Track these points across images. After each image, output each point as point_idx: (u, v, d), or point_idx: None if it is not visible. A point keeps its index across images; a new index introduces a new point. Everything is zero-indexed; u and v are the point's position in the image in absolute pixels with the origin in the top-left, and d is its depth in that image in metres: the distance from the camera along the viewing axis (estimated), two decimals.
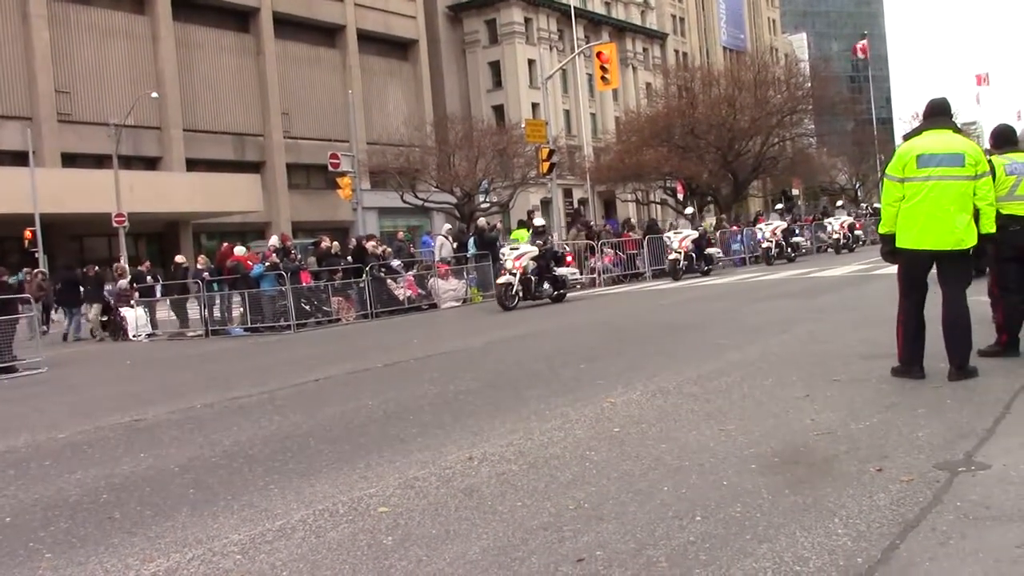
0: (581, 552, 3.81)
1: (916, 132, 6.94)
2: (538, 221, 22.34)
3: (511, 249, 20.21)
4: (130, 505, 5.39)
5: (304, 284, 20.66)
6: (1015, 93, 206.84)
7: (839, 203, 39.64)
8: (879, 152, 68.47)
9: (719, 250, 29.19)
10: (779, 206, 35.01)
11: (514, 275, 19.26)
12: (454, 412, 7.42)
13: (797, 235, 30.95)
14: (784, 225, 29.67)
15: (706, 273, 25.82)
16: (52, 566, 4.33)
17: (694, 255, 25.64)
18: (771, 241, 28.66)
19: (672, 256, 25.06)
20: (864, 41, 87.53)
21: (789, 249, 29.16)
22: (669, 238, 26.07)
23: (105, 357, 18.08)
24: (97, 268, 23.25)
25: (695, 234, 26.19)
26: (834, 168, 67.25)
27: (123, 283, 23.35)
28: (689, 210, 32.56)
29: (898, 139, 71.55)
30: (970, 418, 5.50)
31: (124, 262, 31.62)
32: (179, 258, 26.38)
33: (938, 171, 6.52)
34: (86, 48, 44.59)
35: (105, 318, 23.27)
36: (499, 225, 34.81)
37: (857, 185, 70.93)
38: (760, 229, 30.19)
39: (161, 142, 46.61)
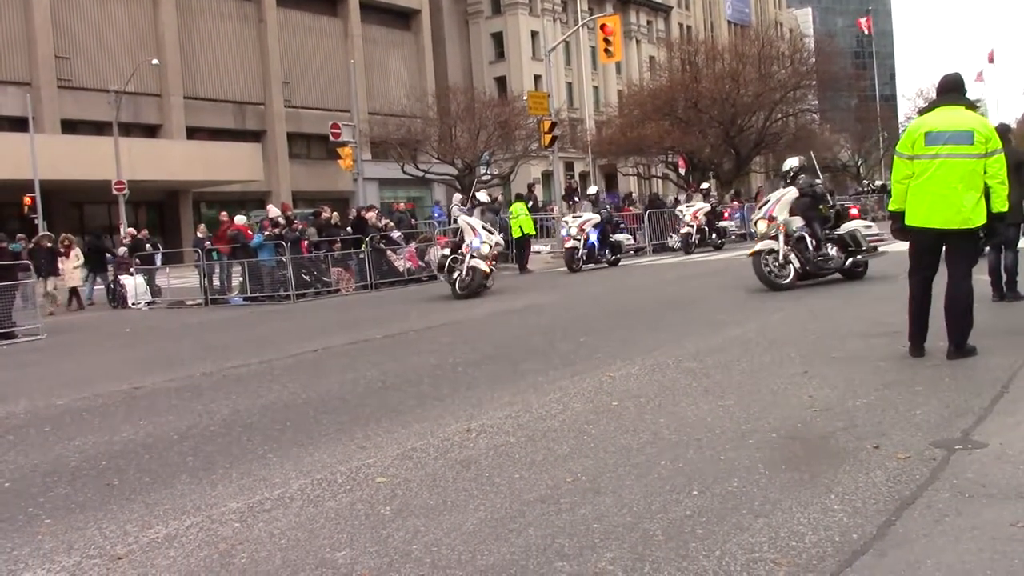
0: (578, 525, 3.82)
1: (928, 108, 6.90)
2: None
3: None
4: (129, 472, 5.41)
5: (303, 255, 20.63)
6: (1020, 71, 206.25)
7: (704, 184, 32.96)
8: (882, 129, 68.15)
9: (733, 223, 28.83)
10: (704, 185, 31.42)
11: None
12: (452, 384, 7.44)
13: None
14: (707, 207, 26.35)
15: (719, 247, 25.69)
16: (51, 531, 4.35)
17: (707, 228, 25.58)
18: (691, 226, 25.23)
19: (684, 230, 25.01)
20: (867, 17, 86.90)
21: (714, 235, 26.26)
22: (681, 211, 25.97)
23: (104, 325, 18.09)
24: (50, 243, 22.45)
25: (707, 207, 26.08)
26: (837, 145, 66.96)
27: (122, 250, 23.33)
28: (705, 184, 32.30)
29: (902, 116, 71.35)
30: (967, 397, 5.51)
31: (124, 229, 31.59)
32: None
33: (946, 148, 6.48)
34: (87, 13, 44.25)
35: (101, 286, 23.27)
36: (499, 198, 34.73)
37: (859, 162, 70.64)
38: (680, 211, 26.55)
39: (161, 109, 46.36)
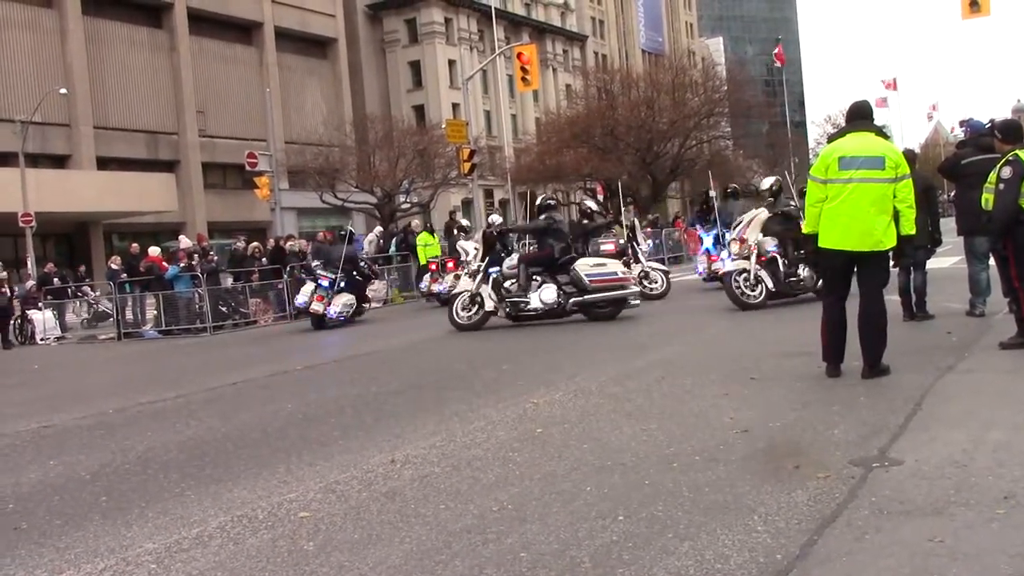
0: (505, 554, 3.79)
1: (840, 134, 7.09)
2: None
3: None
4: (38, 514, 5.20)
5: (220, 287, 20.27)
6: (923, 96, 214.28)
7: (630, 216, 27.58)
8: (792, 154, 69.97)
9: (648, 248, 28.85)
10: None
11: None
12: (375, 414, 7.35)
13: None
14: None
15: None
16: None
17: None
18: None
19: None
20: (779, 46, 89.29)
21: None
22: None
23: (11, 361, 17.48)
24: None
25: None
26: (750, 170, 68.51)
27: (30, 284, 22.63)
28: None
29: (811, 142, 73.38)
30: (883, 415, 5.64)
31: (31, 263, 30.66)
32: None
33: (859, 173, 6.67)
34: None
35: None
36: (412, 223, 34.58)
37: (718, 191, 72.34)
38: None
39: (70, 139, 45.23)
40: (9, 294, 20.39)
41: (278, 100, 51.17)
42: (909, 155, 8.61)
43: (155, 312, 20.57)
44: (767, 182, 14.48)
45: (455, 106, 61.91)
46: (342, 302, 16.61)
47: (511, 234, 15.32)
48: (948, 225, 11.29)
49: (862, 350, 6.85)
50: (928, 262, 10.31)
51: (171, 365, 13.68)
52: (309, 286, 17.28)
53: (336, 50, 60.94)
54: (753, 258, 12.90)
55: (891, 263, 7.13)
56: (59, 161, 45.15)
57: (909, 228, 6.81)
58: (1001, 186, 7.40)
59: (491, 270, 13.78)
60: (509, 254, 14.28)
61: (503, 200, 64.55)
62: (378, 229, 28.79)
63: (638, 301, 13.78)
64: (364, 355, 12.13)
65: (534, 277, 13.56)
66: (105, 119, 46.68)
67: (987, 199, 7.62)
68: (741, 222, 13.57)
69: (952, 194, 11.82)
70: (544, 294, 13.37)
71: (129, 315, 21.08)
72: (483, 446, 5.80)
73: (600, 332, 12.20)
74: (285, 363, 11.76)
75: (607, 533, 3.93)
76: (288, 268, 20.81)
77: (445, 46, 66.90)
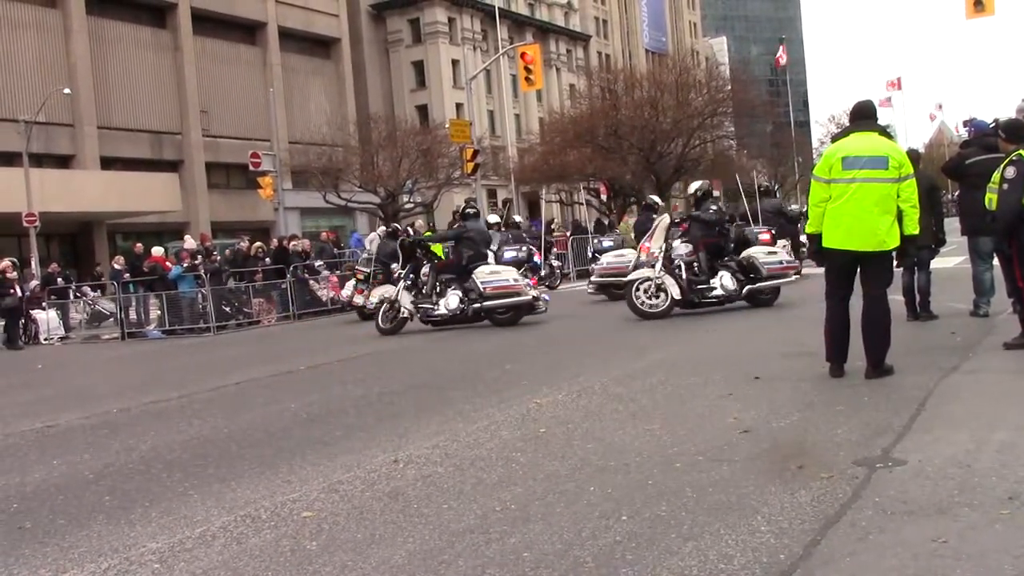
0: (508, 554, 3.79)
1: (843, 134, 7.09)
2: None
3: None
4: (42, 514, 5.21)
5: (224, 286, 20.28)
6: (928, 96, 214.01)
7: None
8: (796, 154, 69.92)
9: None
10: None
11: None
12: (378, 414, 7.35)
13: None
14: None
15: None
16: None
17: None
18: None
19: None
20: (782, 47, 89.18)
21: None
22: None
23: (15, 362, 17.51)
24: None
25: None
26: (754, 170, 68.44)
27: (34, 284, 22.66)
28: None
29: (815, 141, 73.25)
30: (887, 415, 5.63)
31: (35, 263, 30.69)
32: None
33: (862, 173, 6.65)
34: None
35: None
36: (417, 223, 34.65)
37: (776, 187, 72.34)
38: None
39: (74, 139, 45.26)
40: (21, 294, 20.38)
41: (282, 100, 51.21)
42: (913, 155, 8.60)
43: (158, 312, 20.61)
44: (693, 187, 14.52)
45: (459, 106, 61.88)
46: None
47: (425, 243, 15.37)
48: (952, 225, 11.29)
49: (866, 350, 6.84)
50: (932, 262, 10.29)
51: (174, 365, 13.69)
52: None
53: (340, 50, 60.94)
54: (658, 266, 12.81)
55: (895, 263, 7.11)
56: (63, 161, 45.20)
57: (913, 228, 6.80)
58: (1005, 186, 7.38)
59: (410, 277, 14.54)
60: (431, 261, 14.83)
61: (506, 200, 64.60)
62: (380, 229, 28.79)
63: (544, 308, 14.26)
64: (367, 355, 12.13)
65: (446, 284, 14.35)
66: (109, 119, 46.72)
67: (991, 199, 7.61)
68: (651, 229, 13.55)
69: (956, 194, 11.79)
70: (449, 301, 14.15)
71: (133, 315, 21.11)
72: (486, 446, 5.80)
73: (602, 332, 12.20)
74: (288, 363, 11.77)
75: (610, 533, 3.93)
76: (291, 268, 20.83)
77: (449, 46, 66.88)
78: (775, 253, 13.61)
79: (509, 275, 14.21)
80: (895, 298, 7.92)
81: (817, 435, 5.31)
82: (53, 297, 22.18)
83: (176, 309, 20.03)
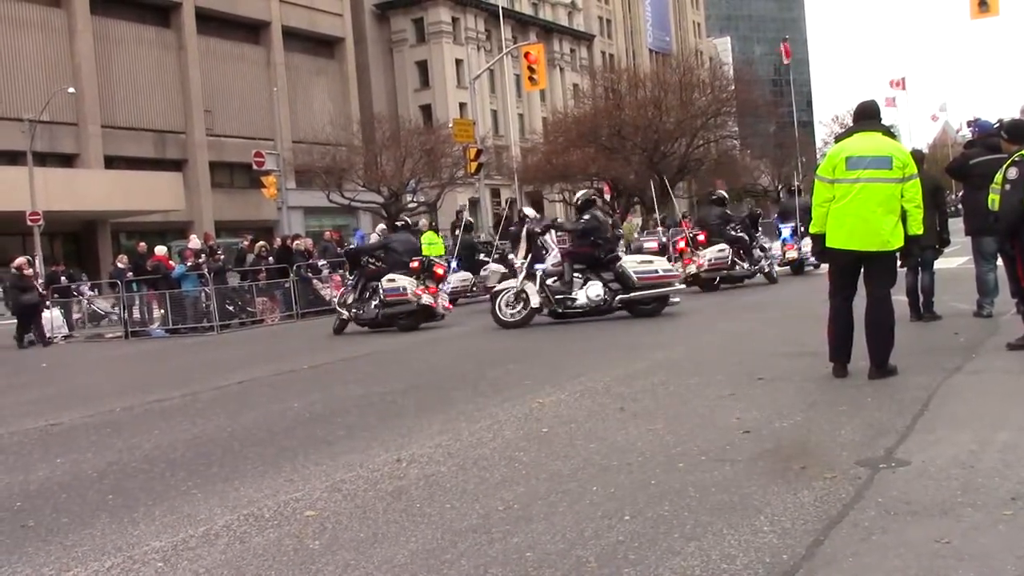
0: (511, 554, 3.79)
1: (847, 134, 7.08)
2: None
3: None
4: (45, 512, 5.21)
5: (227, 285, 20.29)
6: (931, 96, 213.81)
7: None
8: (800, 154, 69.85)
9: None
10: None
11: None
12: (381, 414, 7.35)
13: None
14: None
15: None
16: None
17: None
18: None
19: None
20: (785, 44, 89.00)
21: None
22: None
23: (18, 360, 17.53)
24: None
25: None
26: (757, 170, 68.40)
27: (38, 283, 22.66)
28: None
29: (819, 142, 73.21)
30: (890, 416, 5.62)
31: (39, 262, 30.73)
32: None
33: (866, 173, 6.65)
34: None
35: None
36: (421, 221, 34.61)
37: (779, 187, 72.25)
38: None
39: (78, 139, 45.35)
40: (39, 292, 20.35)
41: (285, 99, 51.29)
42: (917, 155, 8.59)
43: (162, 311, 20.62)
44: (579, 195, 14.67)
45: (462, 105, 61.91)
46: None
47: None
48: (956, 225, 11.27)
49: (869, 351, 6.83)
50: (936, 262, 10.28)
51: (178, 364, 13.71)
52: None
53: (343, 50, 61.00)
54: (521, 276, 13.06)
55: (898, 263, 7.11)
56: (67, 160, 45.29)
57: (916, 228, 6.79)
58: (1007, 186, 7.38)
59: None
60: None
61: (509, 199, 64.58)
62: (381, 227, 28.82)
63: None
64: (369, 354, 12.14)
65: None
66: (113, 118, 46.79)
67: (994, 199, 7.60)
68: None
69: (960, 194, 11.79)
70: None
71: (136, 314, 21.13)
72: (489, 445, 5.80)
73: (605, 332, 12.19)
74: (291, 362, 11.78)
75: (613, 533, 3.93)
76: (295, 267, 20.84)
77: (452, 45, 66.90)
78: (650, 262, 13.59)
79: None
80: (899, 298, 7.91)
81: (820, 435, 5.31)
82: (56, 296, 22.16)
83: (180, 308, 20.05)
